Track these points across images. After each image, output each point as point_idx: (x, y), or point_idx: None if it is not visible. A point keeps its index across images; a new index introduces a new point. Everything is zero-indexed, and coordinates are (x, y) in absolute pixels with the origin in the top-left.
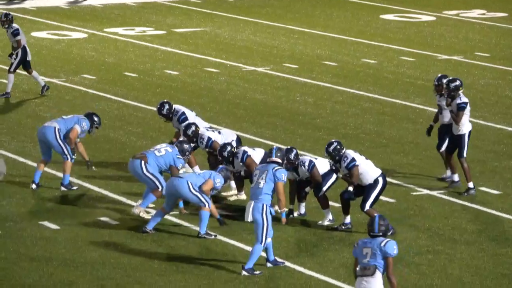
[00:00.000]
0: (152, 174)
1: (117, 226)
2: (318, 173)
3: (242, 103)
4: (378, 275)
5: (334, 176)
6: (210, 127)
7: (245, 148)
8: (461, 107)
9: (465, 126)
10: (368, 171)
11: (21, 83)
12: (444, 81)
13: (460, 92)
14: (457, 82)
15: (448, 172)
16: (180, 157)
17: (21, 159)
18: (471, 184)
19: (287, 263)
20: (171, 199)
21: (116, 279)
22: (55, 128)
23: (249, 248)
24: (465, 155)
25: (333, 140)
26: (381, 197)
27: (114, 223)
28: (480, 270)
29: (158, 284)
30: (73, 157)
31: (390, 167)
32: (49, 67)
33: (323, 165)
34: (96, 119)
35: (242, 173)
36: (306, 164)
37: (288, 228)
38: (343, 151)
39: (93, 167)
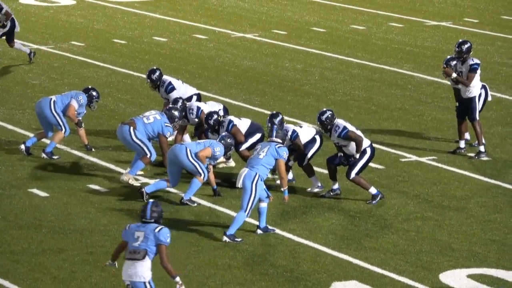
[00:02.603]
0: (141, 141)
1: (107, 194)
2: (301, 143)
3: (231, 69)
4: (148, 260)
5: (317, 144)
6: (198, 94)
7: (231, 117)
8: (473, 68)
9: (475, 89)
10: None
11: (9, 50)
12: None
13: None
14: (469, 44)
15: (462, 143)
16: (169, 125)
17: (9, 126)
18: (482, 148)
19: (277, 230)
20: (172, 167)
21: (105, 247)
22: (50, 99)
23: None
24: (477, 117)
25: (325, 109)
26: (370, 164)
27: (103, 191)
28: (469, 236)
29: None
30: (68, 129)
31: (378, 134)
32: (37, 34)
33: (306, 133)
34: (94, 93)
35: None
36: (289, 133)
37: (276, 195)
38: (334, 121)
39: (92, 149)
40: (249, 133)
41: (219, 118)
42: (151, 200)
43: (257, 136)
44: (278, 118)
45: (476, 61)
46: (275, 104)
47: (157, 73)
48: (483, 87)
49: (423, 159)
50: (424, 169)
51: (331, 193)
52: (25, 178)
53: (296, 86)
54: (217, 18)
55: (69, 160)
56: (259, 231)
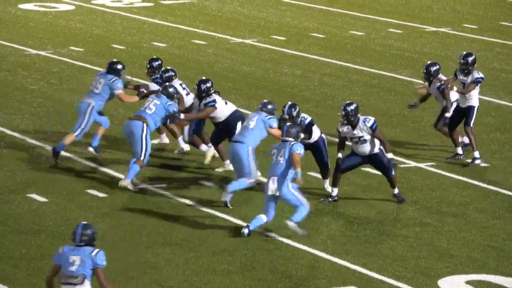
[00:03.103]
0: (147, 141)
1: (105, 199)
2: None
3: (230, 75)
4: (87, 283)
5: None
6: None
7: (219, 98)
8: (477, 81)
9: (474, 99)
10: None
11: (8, 55)
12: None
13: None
14: (474, 56)
15: (459, 150)
16: (171, 103)
17: (8, 131)
18: (477, 154)
19: (275, 236)
20: (235, 165)
21: (103, 251)
22: (89, 105)
23: (236, 221)
24: (471, 125)
25: (351, 102)
26: (369, 169)
27: (102, 196)
28: (468, 243)
29: (146, 256)
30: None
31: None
32: (36, 39)
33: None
34: (119, 66)
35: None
36: (307, 121)
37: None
38: (359, 114)
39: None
40: (230, 122)
41: (211, 89)
42: (82, 223)
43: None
44: (295, 111)
45: (481, 75)
46: None
47: (159, 62)
48: None
49: (422, 165)
50: (423, 175)
51: (330, 200)
52: (24, 183)
53: (295, 91)
54: (216, 23)
55: (68, 165)
56: (245, 231)
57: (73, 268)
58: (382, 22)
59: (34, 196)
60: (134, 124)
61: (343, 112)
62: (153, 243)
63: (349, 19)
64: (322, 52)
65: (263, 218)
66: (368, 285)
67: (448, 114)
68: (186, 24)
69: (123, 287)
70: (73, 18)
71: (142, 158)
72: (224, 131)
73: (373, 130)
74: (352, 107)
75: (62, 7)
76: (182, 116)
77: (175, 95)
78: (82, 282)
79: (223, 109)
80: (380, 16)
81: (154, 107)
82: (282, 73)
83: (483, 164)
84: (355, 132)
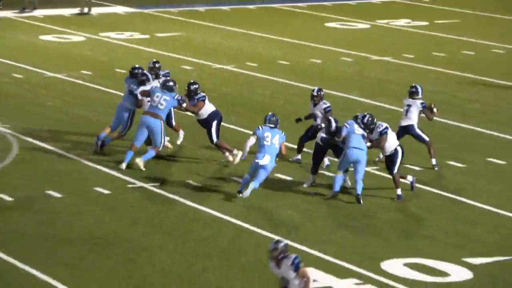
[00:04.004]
0: (164, 134)
1: (109, 195)
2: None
3: (212, 94)
4: None
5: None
6: None
7: (205, 96)
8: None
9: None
10: (390, 141)
11: (30, 77)
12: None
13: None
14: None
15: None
16: (174, 93)
17: (29, 139)
18: (434, 161)
19: (247, 226)
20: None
21: (108, 239)
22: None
23: (216, 213)
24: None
25: (364, 113)
26: (324, 172)
27: (106, 193)
28: (406, 232)
29: (142, 243)
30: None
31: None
32: (53, 65)
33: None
34: (136, 71)
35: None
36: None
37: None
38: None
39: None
40: (209, 120)
41: (198, 90)
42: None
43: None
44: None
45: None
46: (247, 123)
47: (158, 65)
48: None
49: (368, 169)
50: (368, 177)
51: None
52: (42, 182)
53: (265, 108)
54: (201, 52)
55: (79, 167)
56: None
57: None
58: (336, 52)
59: (51, 192)
60: (154, 122)
61: (362, 124)
62: (148, 232)
63: (310, 50)
64: (288, 76)
65: (248, 179)
66: (324, 267)
67: None
68: (176, 53)
69: (123, 266)
70: (84, 47)
71: (159, 147)
72: (203, 126)
73: (381, 134)
74: (366, 118)
75: (75, 38)
76: (184, 104)
77: (175, 87)
78: None
79: (208, 106)
80: (335, 47)
81: (165, 102)
82: (255, 93)
83: (418, 168)
84: (372, 135)
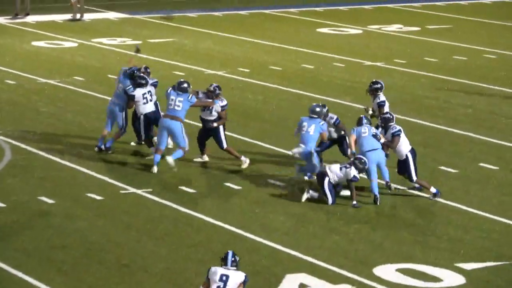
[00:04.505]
0: (185, 135)
1: (102, 201)
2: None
3: None
4: None
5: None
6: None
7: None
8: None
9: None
10: (403, 144)
11: (23, 83)
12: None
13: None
14: (379, 84)
15: None
16: (189, 94)
17: (22, 145)
18: None
19: (241, 232)
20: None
21: (101, 244)
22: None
23: (209, 219)
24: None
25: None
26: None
27: (99, 198)
28: (397, 238)
29: (135, 248)
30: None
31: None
32: (46, 70)
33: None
34: (136, 74)
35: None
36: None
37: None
38: (393, 122)
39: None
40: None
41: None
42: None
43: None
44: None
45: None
46: (239, 128)
47: (148, 70)
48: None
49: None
50: (361, 183)
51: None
52: (36, 188)
53: (257, 113)
54: (193, 58)
55: (72, 173)
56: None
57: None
58: (329, 58)
59: (44, 198)
60: (174, 124)
61: (381, 121)
62: (141, 237)
63: (302, 55)
64: (279, 82)
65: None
66: (317, 272)
67: None
68: (168, 59)
69: (116, 271)
70: (76, 53)
71: (185, 147)
72: (209, 133)
73: (393, 136)
74: (385, 115)
75: (67, 44)
76: (195, 99)
77: (190, 88)
78: None
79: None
80: (327, 53)
81: (180, 103)
82: (247, 98)
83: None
84: (386, 135)
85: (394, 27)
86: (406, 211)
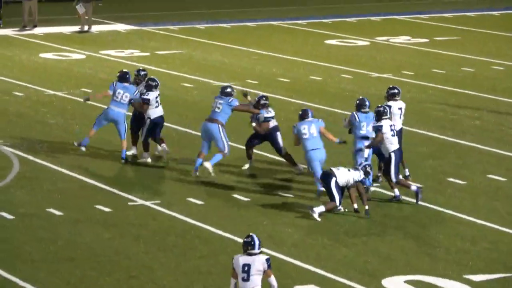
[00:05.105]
0: (225, 137)
1: (110, 213)
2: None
3: None
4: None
5: None
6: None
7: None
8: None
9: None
10: (389, 142)
11: (31, 95)
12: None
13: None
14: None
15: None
16: (232, 99)
17: (30, 157)
18: (407, 172)
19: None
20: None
21: (109, 256)
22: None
23: (217, 231)
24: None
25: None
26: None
27: (107, 210)
28: (406, 249)
29: (143, 260)
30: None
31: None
32: (54, 82)
33: None
34: (124, 75)
35: None
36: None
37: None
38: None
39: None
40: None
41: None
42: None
43: None
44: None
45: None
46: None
47: (143, 73)
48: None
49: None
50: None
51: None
52: (44, 200)
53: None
54: (201, 70)
55: (80, 185)
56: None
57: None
58: (336, 69)
59: (52, 210)
60: (211, 127)
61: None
62: (149, 249)
63: (310, 67)
64: (288, 94)
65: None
66: (325, 284)
67: None
68: (176, 70)
69: (125, 284)
70: (84, 65)
71: (225, 151)
72: (265, 138)
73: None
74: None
75: (75, 56)
76: (236, 102)
77: (233, 92)
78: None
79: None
80: (335, 64)
81: (221, 106)
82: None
83: (420, 185)
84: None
85: (402, 39)
86: (414, 223)
